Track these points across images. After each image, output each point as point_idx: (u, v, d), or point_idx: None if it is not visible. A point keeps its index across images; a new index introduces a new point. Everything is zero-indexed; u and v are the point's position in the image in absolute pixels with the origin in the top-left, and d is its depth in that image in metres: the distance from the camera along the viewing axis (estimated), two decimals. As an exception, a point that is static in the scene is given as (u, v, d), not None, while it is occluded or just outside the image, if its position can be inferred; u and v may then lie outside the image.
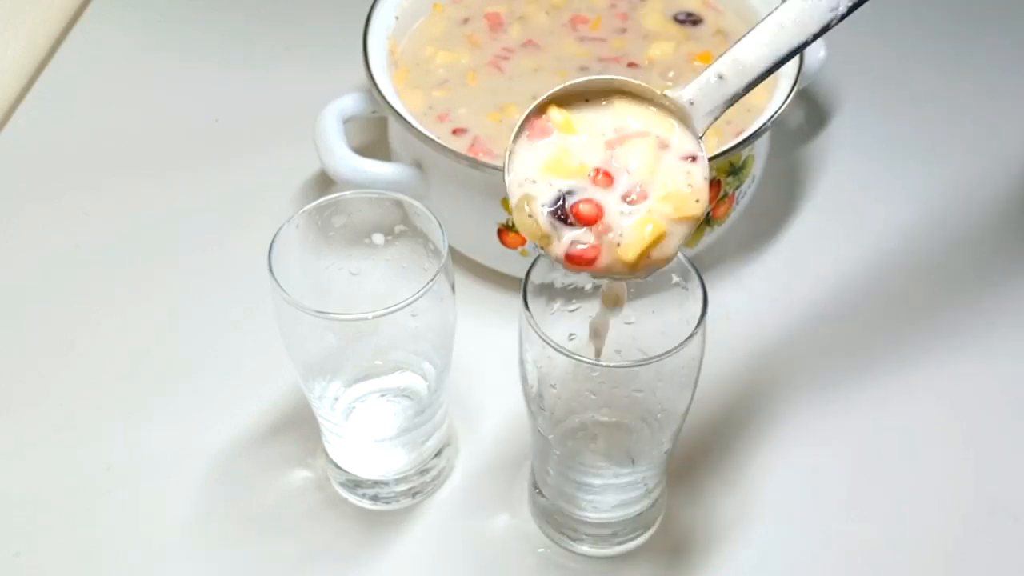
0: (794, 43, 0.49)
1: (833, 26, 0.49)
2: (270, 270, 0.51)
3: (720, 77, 0.49)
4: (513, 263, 0.67)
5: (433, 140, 0.64)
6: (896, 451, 0.62)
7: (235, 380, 0.65)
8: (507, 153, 0.49)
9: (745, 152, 0.66)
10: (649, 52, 0.72)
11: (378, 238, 0.56)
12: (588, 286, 0.54)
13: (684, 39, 0.74)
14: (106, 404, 0.64)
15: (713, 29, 0.74)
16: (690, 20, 0.75)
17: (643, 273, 0.49)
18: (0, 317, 0.69)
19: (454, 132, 0.68)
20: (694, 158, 0.49)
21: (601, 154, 0.49)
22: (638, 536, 0.58)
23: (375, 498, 0.60)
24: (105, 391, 0.65)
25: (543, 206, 0.48)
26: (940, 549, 0.59)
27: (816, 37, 0.49)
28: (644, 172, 0.49)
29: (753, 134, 0.64)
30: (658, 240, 0.48)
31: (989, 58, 0.84)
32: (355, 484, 0.60)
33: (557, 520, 0.58)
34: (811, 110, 0.80)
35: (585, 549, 0.58)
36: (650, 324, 0.54)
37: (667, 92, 0.49)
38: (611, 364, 0.51)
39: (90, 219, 0.74)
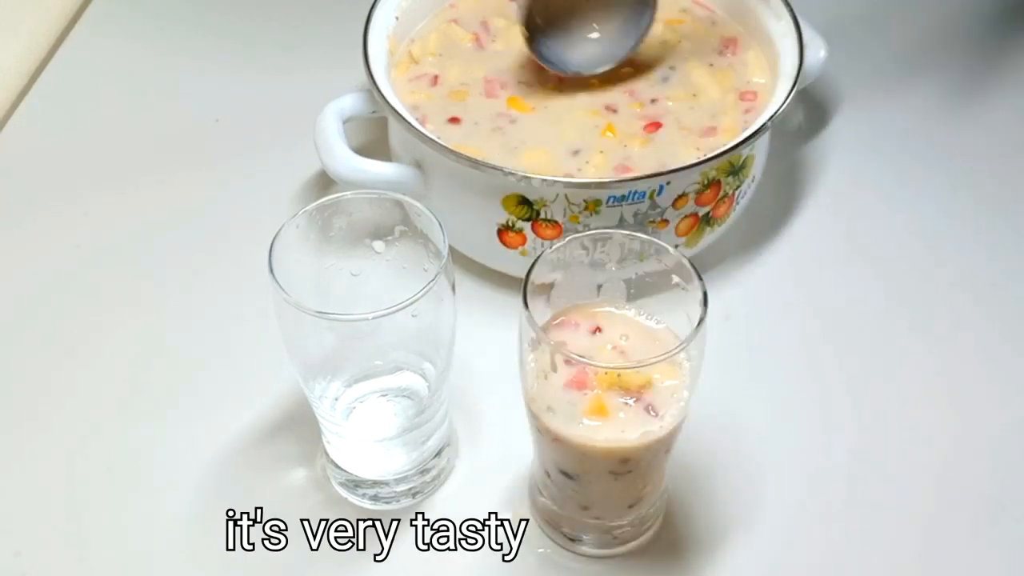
0: None
1: None
2: (270, 270, 0.51)
3: None
4: (513, 263, 0.67)
5: (433, 140, 0.64)
6: (896, 451, 0.62)
7: (235, 380, 0.65)
8: None
9: (745, 152, 0.66)
10: None
11: (379, 246, 0.56)
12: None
13: None
14: (106, 405, 0.64)
15: None
16: None
17: None
18: (0, 317, 0.69)
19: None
20: None
21: None
22: (638, 536, 0.58)
23: (375, 498, 0.60)
24: (105, 391, 0.65)
25: None
26: (941, 549, 0.59)
27: None
28: None
29: (753, 134, 0.64)
30: None
31: (989, 58, 0.84)
32: (355, 484, 0.60)
33: (557, 520, 0.58)
34: (811, 110, 0.80)
35: (585, 549, 0.58)
36: (650, 324, 0.54)
37: None
38: (611, 365, 0.51)
39: (90, 219, 0.74)
